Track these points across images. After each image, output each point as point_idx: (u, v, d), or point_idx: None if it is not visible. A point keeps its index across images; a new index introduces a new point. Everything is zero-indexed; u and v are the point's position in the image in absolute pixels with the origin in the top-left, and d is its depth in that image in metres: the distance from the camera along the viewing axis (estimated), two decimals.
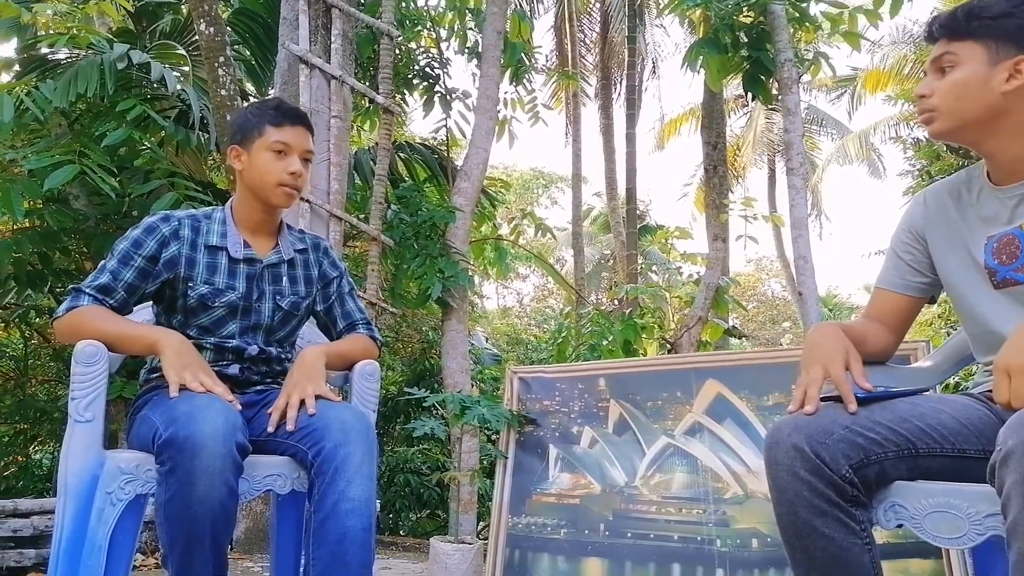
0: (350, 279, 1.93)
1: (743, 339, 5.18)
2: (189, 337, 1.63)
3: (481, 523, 4.89)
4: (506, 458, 2.49)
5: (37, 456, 6.24)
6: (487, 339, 9.73)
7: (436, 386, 5.90)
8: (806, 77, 5.92)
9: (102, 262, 1.62)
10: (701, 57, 3.98)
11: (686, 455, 2.29)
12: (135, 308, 1.72)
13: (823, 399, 1.21)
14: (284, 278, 1.76)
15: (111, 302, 1.58)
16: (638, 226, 17.63)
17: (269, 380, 1.77)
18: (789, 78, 3.75)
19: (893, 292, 1.43)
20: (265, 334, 1.73)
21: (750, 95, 4.01)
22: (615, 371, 2.51)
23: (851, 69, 14.74)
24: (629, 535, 2.23)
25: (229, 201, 1.78)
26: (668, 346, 4.25)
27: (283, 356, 1.79)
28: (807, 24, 4.07)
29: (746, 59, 3.97)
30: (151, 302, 1.74)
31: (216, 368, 1.64)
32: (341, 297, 1.87)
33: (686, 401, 2.35)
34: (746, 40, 3.98)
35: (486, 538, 2.54)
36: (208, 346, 1.67)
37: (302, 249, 1.83)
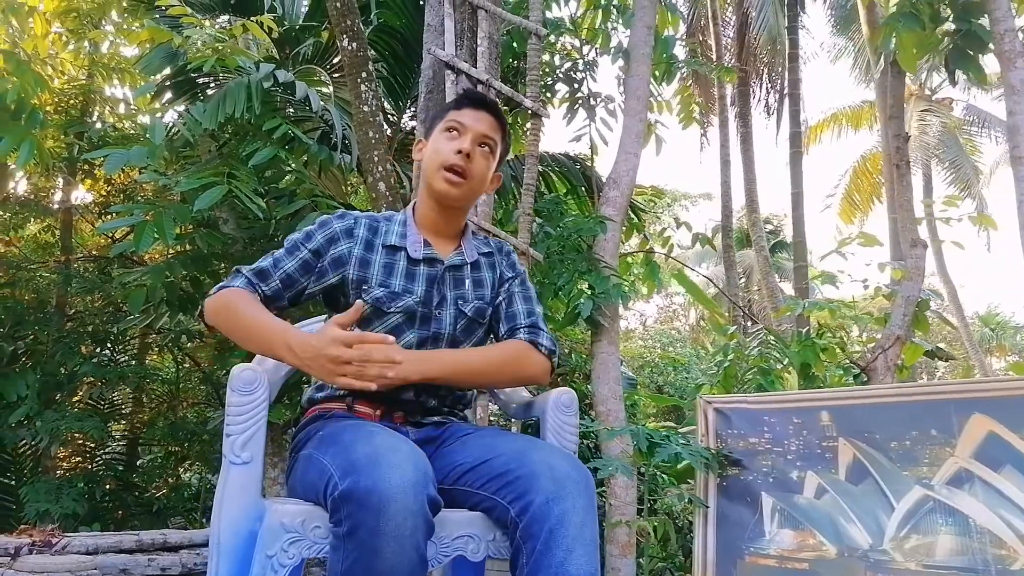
0: (529, 283, 1.61)
1: (949, 361, 4.48)
2: None
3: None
4: (707, 507, 2.07)
5: (187, 476, 6.39)
6: (621, 362, 9.27)
7: (580, 413, 5.53)
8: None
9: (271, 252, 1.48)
10: (894, 35, 3.44)
11: (952, 512, 1.79)
12: (310, 321, 1.59)
13: None
14: (467, 281, 1.49)
15: (264, 288, 1.42)
16: (772, 243, 16.61)
17: (447, 409, 1.46)
18: (1011, 51, 3.15)
19: None
20: (448, 345, 1.45)
21: (957, 74, 3.42)
22: (842, 402, 2.04)
23: None
24: None
25: (411, 203, 1.58)
26: (858, 371, 3.67)
27: None
28: None
29: (950, 33, 3.39)
30: (325, 315, 1.53)
31: (390, 392, 1.36)
32: (509, 298, 1.54)
33: (945, 441, 1.85)
34: (949, 12, 3.41)
35: None
36: None
37: (487, 252, 1.57)
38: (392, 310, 1.41)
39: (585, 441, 5.22)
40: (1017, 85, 3.15)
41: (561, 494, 1.14)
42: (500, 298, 1.54)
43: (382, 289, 1.42)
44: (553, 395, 1.49)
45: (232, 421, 1.26)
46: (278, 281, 1.42)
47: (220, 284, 1.42)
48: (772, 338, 4.03)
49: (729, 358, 3.94)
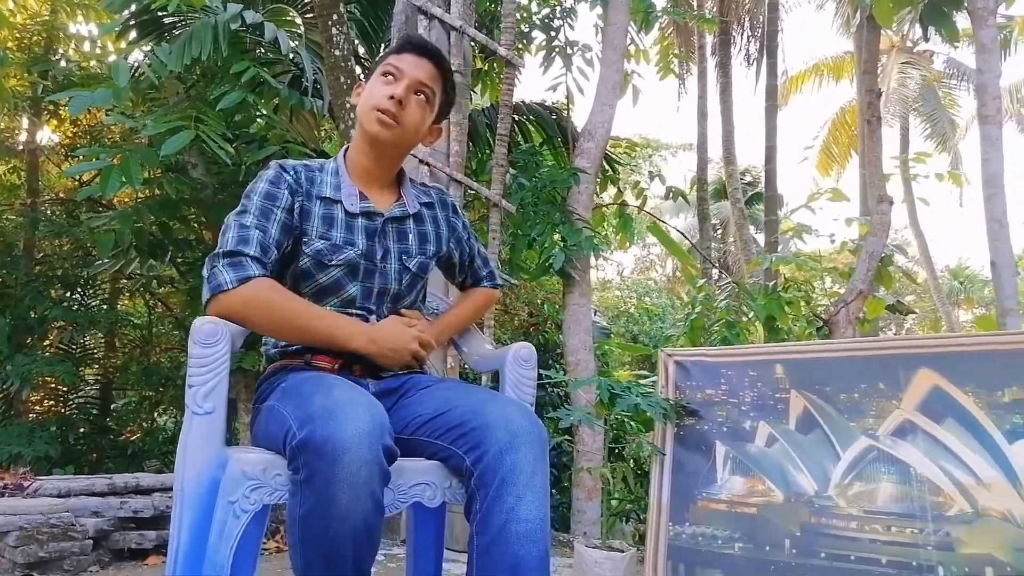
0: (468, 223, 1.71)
1: (907, 316, 4.59)
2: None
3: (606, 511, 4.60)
4: (663, 455, 2.15)
5: (162, 421, 6.43)
6: (595, 312, 9.38)
7: (551, 362, 5.63)
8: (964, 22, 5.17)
9: (235, 222, 1.34)
10: None
11: (894, 461, 1.87)
12: None
13: None
14: (411, 235, 1.49)
15: (271, 265, 1.33)
16: (749, 194, 16.65)
17: None
18: (984, 8, 3.16)
19: None
20: (392, 300, 1.46)
21: (930, 31, 3.42)
22: (796, 356, 2.11)
23: (1002, 18, 13.20)
24: (823, 555, 1.85)
25: (343, 151, 1.52)
26: (820, 323, 3.76)
27: None
28: None
29: None
30: None
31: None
32: (471, 255, 1.67)
33: (892, 395, 1.93)
34: None
35: (629, 544, 2.22)
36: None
37: (428, 203, 1.57)
38: (333, 263, 1.39)
39: (556, 390, 5.32)
40: (988, 43, 3.17)
41: (514, 445, 1.19)
42: (460, 253, 1.62)
43: (322, 241, 1.39)
44: (513, 349, 1.52)
45: (194, 372, 1.28)
46: (275, 250, 1.34)
47: (232, 275, 1.27)
48: (740, 291, 4.10)
49: (696, 311, 4.01)
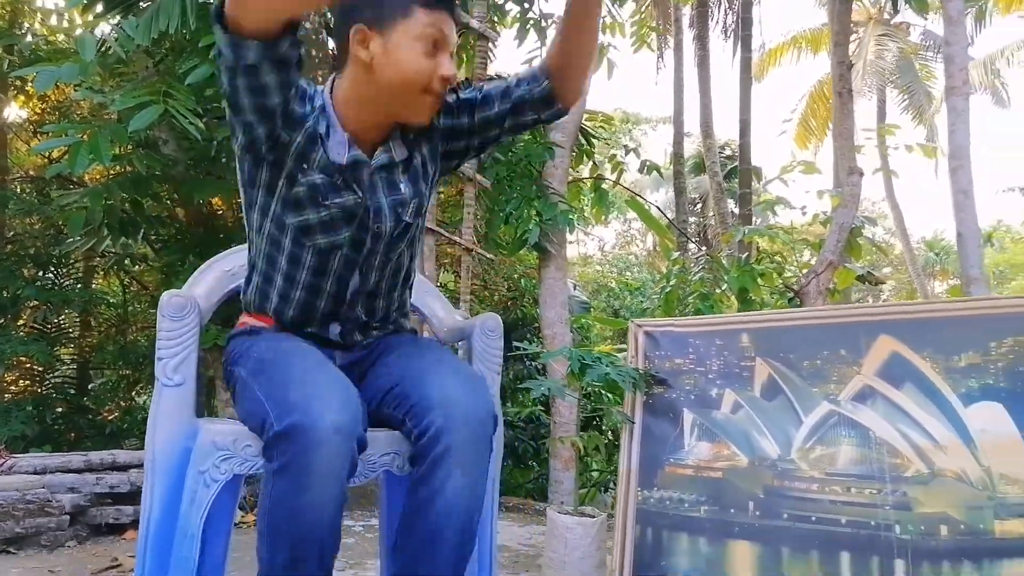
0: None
1: (879, 285, 4.68)
2: (282, 236, 1.30)
3: (585, 483, 4.67)
4: (632, 423, 2.20)
5: (141, 400, 6.41)
6: (575, 286, 9.44)
7: (529, 336, 5.68)
8: None
9: None
10: None
11: (854, 425, 1.93)
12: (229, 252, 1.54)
13: None
14: (402, 184, 1.35)
15: None
16: (727, 168, 16.74)
17: (376, 329, 1.44)
18: None
19: None
20: (385, 249, 1.36)
21: (900, 3, 3.45)
22: (761, 325, 2.16)
23: None
24: (785, 516, 1.92)
25: (329, 86, 1.31)
26: (791, 294, 3.82)
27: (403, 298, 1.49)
28: None
29: None
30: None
31: (312, 330, 1.39)
32: (503, 90, 1.36)
33: (853, 361, 1.98)
34: None
35: (607, 512, 2.27)
36: (311, 261, 1.32)
37: (414, 140, 1.37)
38: (329, 203, 1.27)
39: (534, 363, 5.38)
40: (955, 15, 3.20)
41: (448, 427, 1.17)
42: (494, 99, 1.36)
43: (322, 176, 1.26)
44: (479, 321, 1.55)
45: (163, 345, 1.30)
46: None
47: None
48: (714, 263, 4.15)
49: (671, 283, 4.06)
